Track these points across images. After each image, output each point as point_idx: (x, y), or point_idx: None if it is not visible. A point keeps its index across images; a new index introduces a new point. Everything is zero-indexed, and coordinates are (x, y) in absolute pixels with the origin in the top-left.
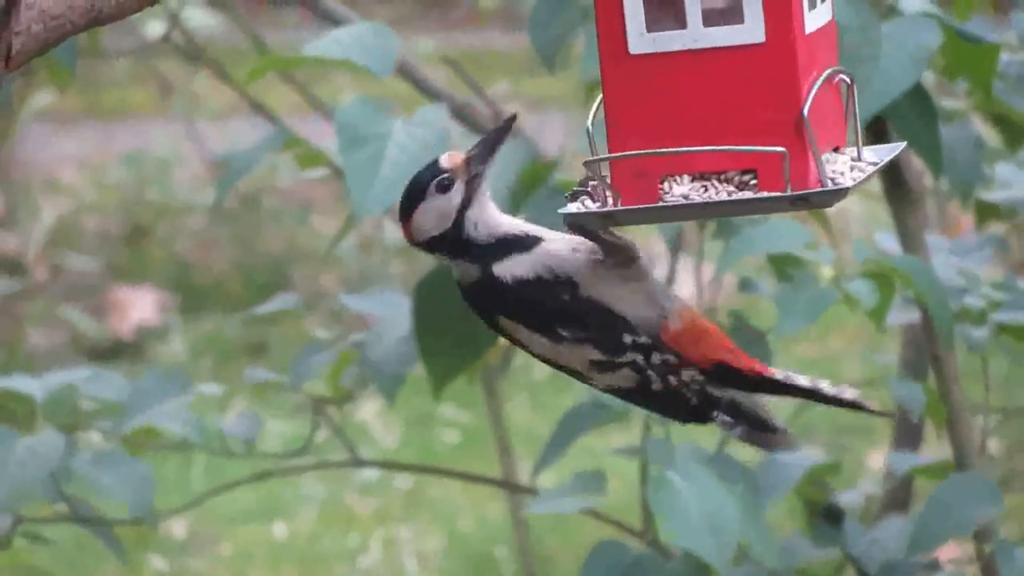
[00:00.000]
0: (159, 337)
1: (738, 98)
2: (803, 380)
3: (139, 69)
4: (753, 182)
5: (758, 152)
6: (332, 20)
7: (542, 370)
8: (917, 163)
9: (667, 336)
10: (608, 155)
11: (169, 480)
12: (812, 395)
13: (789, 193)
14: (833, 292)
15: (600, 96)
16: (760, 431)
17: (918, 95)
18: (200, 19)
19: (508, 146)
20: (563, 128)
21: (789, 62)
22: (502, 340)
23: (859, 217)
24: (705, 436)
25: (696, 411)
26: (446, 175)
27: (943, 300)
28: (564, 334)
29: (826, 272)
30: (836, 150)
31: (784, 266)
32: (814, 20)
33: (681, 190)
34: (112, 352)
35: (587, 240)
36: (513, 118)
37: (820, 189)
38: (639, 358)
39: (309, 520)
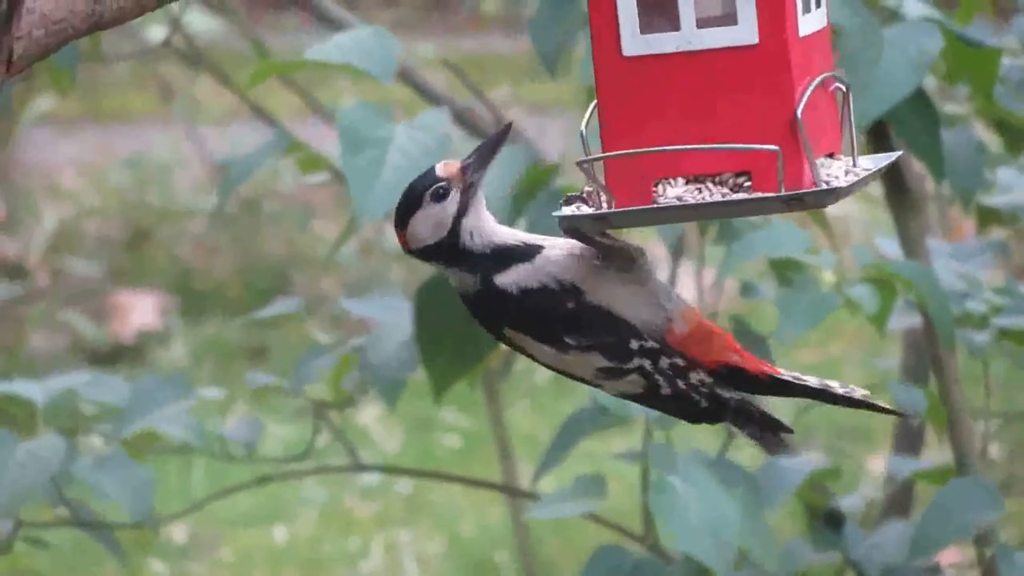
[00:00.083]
0: (160, 341)
1: (732, 100)
2: (812, 380)
3: (140, 73)
4: (747, 184)
5: (752, 152)
6: (333, 24)
7: (543, 374)
8: (918, 167)
9: (673, 339)
10: (600, 155)
11: (170, 484)
12: (822, 395)
13: (783, 193)
14: (834, 297)
15: (595, 100)
16: (771, 432)
17: (920, 100)
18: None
19: (508, 151)
20: (564, 132)
21: (783, 63)
22: (503, 345)
23: (860, 221)
24: (706, 440)
25: (707, 413)
26: (442, 184)
27: (944, 304)
28: (570, 343)
29: (827, 277)
30: (831, 156)
31: (785, 271)
32: (809, 24)
33: (675, 192)
34: (113, 356)
35: (585, 244)
36: (509, 126)
37: (814, 189)
38: (646, 363)
39: (310, 524)
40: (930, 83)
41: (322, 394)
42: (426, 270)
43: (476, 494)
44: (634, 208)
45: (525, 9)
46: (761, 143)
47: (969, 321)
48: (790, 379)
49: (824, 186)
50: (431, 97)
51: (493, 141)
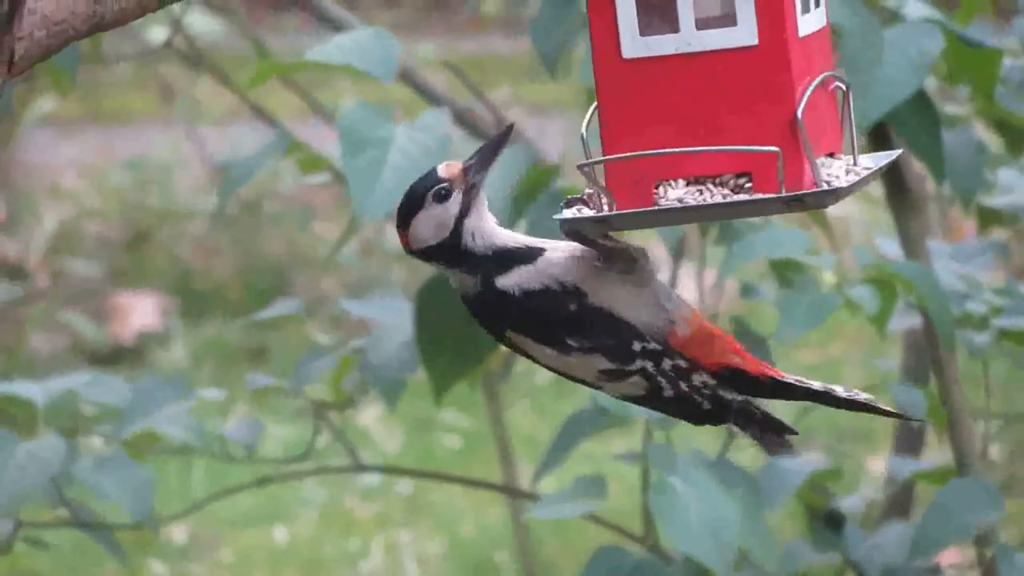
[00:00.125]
0: (160, 342)
1: (732, 101)
2: (815, 384)
3: (141, 74)
4: (748, 185)
5: (752, 153)
6: (333, 25)
7: (543, 375)
8: (919, 168)
9: (675, 340)
10: (600, 158)
11: (170, 485)
12: (824, 399)
13: (783, 194)
14: (835, 297)
15: (595, 102)
16: (772, 432)
17: (920, 100)
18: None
19: (509, 152)
20: (564, 133)
21: (782, 64)
22: (503, 346)
23: (860, 222)
24: (706, 440)
25: (710, 414)
26: (444, 184)
27: (944, 305)
28: (573, 344)
29: (828, 278)
30: (832, 156)
31: (786, 271)
32: (808, 24)
33: (676, 194)
34: (113, 357)
35: (586, 246)
36: (511, 127)
37: (814, 190)
38: (649, 365)
39: (310, 525)
40: (931, 84)
41: (322, 395)
42: (427, 271)
43: (476, 494)
44: (635, 210)
45: (525, 10)
46: (761, 144)
47: (969, 322)
48: (792, 382)
49: (825, 186)
50: (431, 98)
51: (495, 142)
